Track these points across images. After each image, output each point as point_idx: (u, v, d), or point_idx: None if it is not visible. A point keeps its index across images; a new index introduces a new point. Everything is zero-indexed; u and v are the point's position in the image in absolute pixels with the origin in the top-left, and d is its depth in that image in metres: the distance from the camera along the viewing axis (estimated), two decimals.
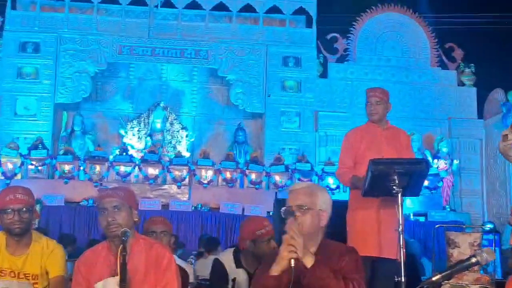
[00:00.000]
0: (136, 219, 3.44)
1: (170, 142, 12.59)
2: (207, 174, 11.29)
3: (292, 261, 2.68)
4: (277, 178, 11.34)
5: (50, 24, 12.72)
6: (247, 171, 11.45)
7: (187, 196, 10.96)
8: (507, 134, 4.24)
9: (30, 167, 11.20)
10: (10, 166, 11.04)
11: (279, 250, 2.93)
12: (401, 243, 4.05)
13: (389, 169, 4.30)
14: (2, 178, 10.88)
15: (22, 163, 11.19)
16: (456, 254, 6.57)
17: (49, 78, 12.51)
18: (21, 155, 11.24)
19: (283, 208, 3.00)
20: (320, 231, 3.00)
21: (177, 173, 11.19)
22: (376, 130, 5.12)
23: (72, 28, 12.76)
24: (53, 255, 3.81)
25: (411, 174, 4.36)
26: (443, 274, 2.53)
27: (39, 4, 12.78)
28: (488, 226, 10.26)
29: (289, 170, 11.46)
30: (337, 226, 3.14)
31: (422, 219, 10.76)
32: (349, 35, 13.19)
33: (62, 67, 12.61)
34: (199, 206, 10.66)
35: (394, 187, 4.18)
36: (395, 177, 4.21)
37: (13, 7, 12.77)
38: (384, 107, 5.13)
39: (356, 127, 5.51)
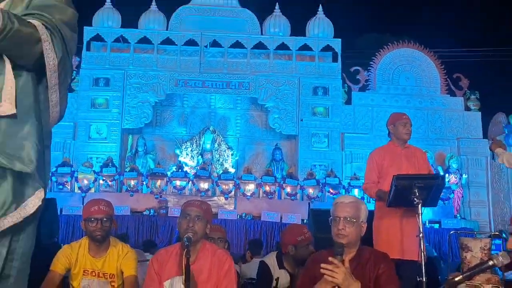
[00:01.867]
0: (208, 232, 3.50)
1: (218, 160, 12.45)
2: (250, 187, 11.22)
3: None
4: (310, 190, 11.22)
5: (118, 62, 12.84)
6: (284, 185, 11.31)
7: (233, 206, 10.87)
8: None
9: (101, 182, 11.23)
10: (85, 181, 11.06)
11: (317, 254, 3.11)
12: (422, 247, 4.04)
13: (411, 183, 4.30)
14: (79, 191, 10.94)
15: (95, 179, 11.16)
16: (469, 257, 6.43)
17: (117, 107, 12.64)
18: (94, 172, 11.24)
19: (330, 218, 3.04)
20: (359, 239, 3.00)
21: (224, 186, 11.11)
22: (396, 149, 5.09)
23: (136, 66, 12.87)
24: (126, 258, 3.84)
25: (430, 188, 4.34)
26: (464, 274, 2.51)
27: (109, 46, 12.91)
28: (496, 234, 9.97)
29: (320, 183, 11.31)
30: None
31: (436, 226, 10.60)
32: (370, 67, 13.14)
33: (128, 98, 12.71)
34: (244, 215, 10.58)
35: (415, 199, 4.19)
36: (416, 190, 4.20)
37: (88, 49, 12.97)
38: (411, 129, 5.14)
39: (379, 147, 5.45)
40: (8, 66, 2.04)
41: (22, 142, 2.04)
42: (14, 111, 2.02)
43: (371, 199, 8.63)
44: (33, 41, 2.03)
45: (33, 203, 2.07)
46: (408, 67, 13.18)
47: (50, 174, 11.07)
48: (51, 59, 2.06)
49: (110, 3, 13.23)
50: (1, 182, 2.01)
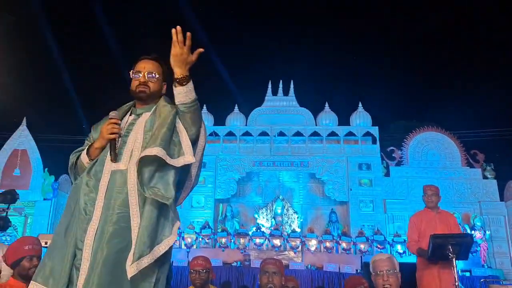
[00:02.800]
0: (283, 283, 3.62)
1: (287, 222, 12.43)
2: (313, 243, 10.98)
3: None
4: (361, 246, 10.92)
5: (211, 150, 13.15)
6: (340, 241, 11.07)
7: (300, 259, 10.74)
8: None
9: (201, 240, 11.36)
10: (189, 240, 11.28)
11: None
12: None
13: (445, 241, 4.33)
14: (184, 247, 11.08)
15: (196, 238, 11.33)
16: None
17: (211, 183, 12.99)
18: (195, 232, 11.44)
19: (372, 274, 3.09)
20: (400, 286, 3.03)
21: (293, 243, 10.92)
22: (431, 214, 5.09)
23: (224, 152, 13.30)
24: None
25: (461, 245, 4.32)
26: None
27: (206, 139, 13.48)
28: None
29: (369, 240, 11.05)
30: (407, 280, 2.98)
31: (467, 274, 10.01)
32: (402, 147, 13.16)
33: (219, 176, 13.07)
34: (309, 266, 10.37)
35: (449, 254, 4.22)
36: (450, 247, 4.24)
37: None
38: (437, 198, 5.15)
39: (417, 212, 5.38)
40: (184, 133, 2.27)
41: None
42: (194, 160, 2.23)
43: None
44: (200, 122, 2.33)
45: (174, 232, 2.20)
46: (433, 146, 13.02)
47: None
48: (202, 141, 2.38)
49: (205, 109, 13.70)
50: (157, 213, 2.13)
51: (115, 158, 2.28)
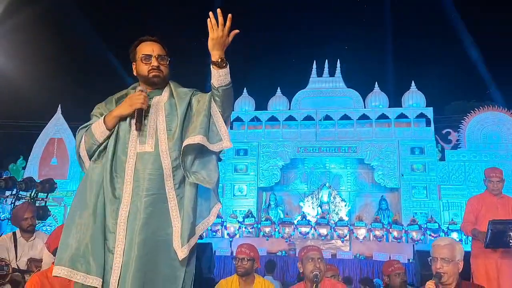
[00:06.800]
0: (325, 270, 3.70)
1: (334, 210, 12.50)
2: (361, 232, 11.04)
3: None
4: (413, 234, 10.82)
5: (253, 136, 13.48)
6: (390, 230, 11.02)
7: (348, 248, 10.81)
8: None
9: (244, 229, 11.51)
10: (232, 229, 11.48)
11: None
12: None
13: (506, 227, 4.27)
14: (227, 237, 11.34)
15: (239, 227, 11.50)
16: None
17: (254, 171, 13.23)
18: (238, 222, 11.60)
19: (429, 258, 3.06)
20: (458, 275, 2.96)
21: (340, 232, 11.08)
22: (492, 198, 5.00)
23: (267, 138, 13.44)
24: None
25: None
26: None
27: (247, 125, 13.63)
28: None
29: (422, 228, 10.92)
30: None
31: None
32: (459, 129, 12.88)
33: (262, 163, 13.27)
34: (357, 255, 10.47)
35: (510, 241, 4.20)
36: (511, 233, 4.21)
37: (231, 128, 13.23)
38: (503, 184, 5.02)
39: (477, 194, 5.31)
40: (220, 118, 2.39)
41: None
42: (231, 145, 2.40)
43: (468, 240, 8.86)
44: (233, 105, 2.45)
45: (214, 213, 2.37)
46: (494, 127, 12.72)
47: None
48: (228, 124, 2.50)
49: (246, 93, 14.04)
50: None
51: (140, 128, 2.40)
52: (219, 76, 2.30)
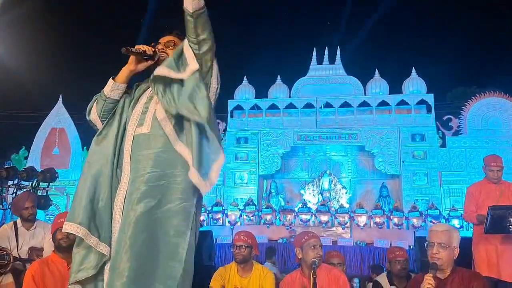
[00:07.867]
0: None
1: (335, 198, 12.60)
2: (362, 219, 11.15)
3: None
4: (414, 221, 10.98)
5: (254, 124, 13.66)
6: (391, 217, 11.17)
7: (349, 235, 10.90)
8: None
9: (245, 217, 11.61)
10: (233, 217, 11.61)
11: (418, 275, 3.11)
12: None
13: (505, 213, 4.21)
14: (228, 225, 11.46)
15: (240, 215, 11.62)
16: None
17: (255, 159, 13.36)
18: (239, 210, 11.71)
19: (426, 243, 3.05)
20: (453, 261, 2.97)
21: (341, 219, 11.18)
22: (491, 185, 4.97)
23: (267, 126, 13.60)
24: (266, 278, 3.94)
25: None
26: None
27: (247, 113, 13.78)
28: None
29: (423, 215, 11.08)
30: (461, 255, 2.99)
31: None
32: (460, 115, 12.99)
33: (262, 151, 13.41)
34: (358, 242, 10.54)
35: (510, 226, 4.15)
36: (511, 218, 4.16)
37: (231, 116, 13.84)
38: (502, 173, 4.97)
39: (476, 182, 5.29)
40: (186, 45, 2.30)
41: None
42: (198, 66, 2.25)
43: (469, 227, 9.05)
44: (209, 27, 2.27)
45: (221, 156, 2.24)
46: (495, 113, 12.81)
47: (207, 212, 11.56)
48: (215, 83, 2.36)
49: (246, 81, 14.21)
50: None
51: (129, 50, 2.37)
52: (193, 0, 2.22)
